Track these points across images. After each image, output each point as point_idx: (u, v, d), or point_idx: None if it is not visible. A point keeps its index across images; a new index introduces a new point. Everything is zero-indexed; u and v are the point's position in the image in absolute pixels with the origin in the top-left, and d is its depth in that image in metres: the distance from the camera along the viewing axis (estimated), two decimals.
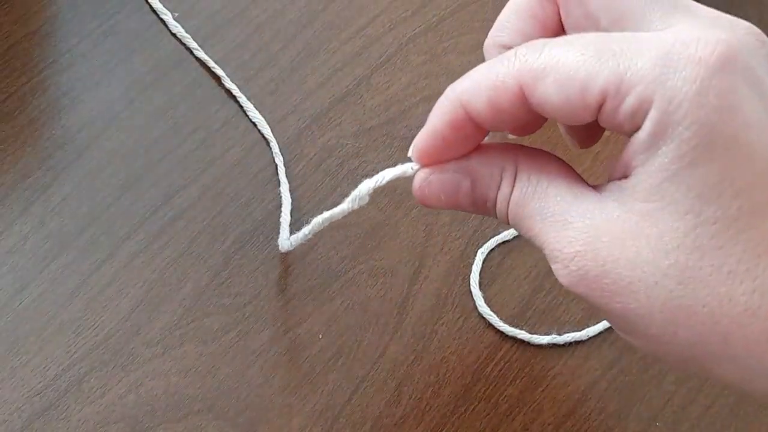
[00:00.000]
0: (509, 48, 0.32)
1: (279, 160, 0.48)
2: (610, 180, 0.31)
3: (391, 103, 0.51)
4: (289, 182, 0.48)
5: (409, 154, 0.34)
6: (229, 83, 0.50)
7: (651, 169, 0.29)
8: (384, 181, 0.36)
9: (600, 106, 0.30)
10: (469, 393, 0.44)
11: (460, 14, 0.54)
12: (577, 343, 0.45)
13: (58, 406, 0.42)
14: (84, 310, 0.44)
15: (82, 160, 0.48)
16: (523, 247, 0.47)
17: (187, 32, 0.51)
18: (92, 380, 0.43)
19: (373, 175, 0.49)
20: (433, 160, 0.34)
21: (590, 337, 0.45)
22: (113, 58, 0.51)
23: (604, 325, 0.45)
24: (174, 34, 0.51)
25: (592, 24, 0.32)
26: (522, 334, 0.45)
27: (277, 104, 0.50)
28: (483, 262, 0.46)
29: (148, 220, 0.46)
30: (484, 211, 0.34)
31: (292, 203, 0.47)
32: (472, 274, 0.46)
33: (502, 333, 0.45)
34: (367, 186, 0.37)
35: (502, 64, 0.31)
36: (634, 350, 0.45)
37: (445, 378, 0.44)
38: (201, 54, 0.51)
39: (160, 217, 0.47)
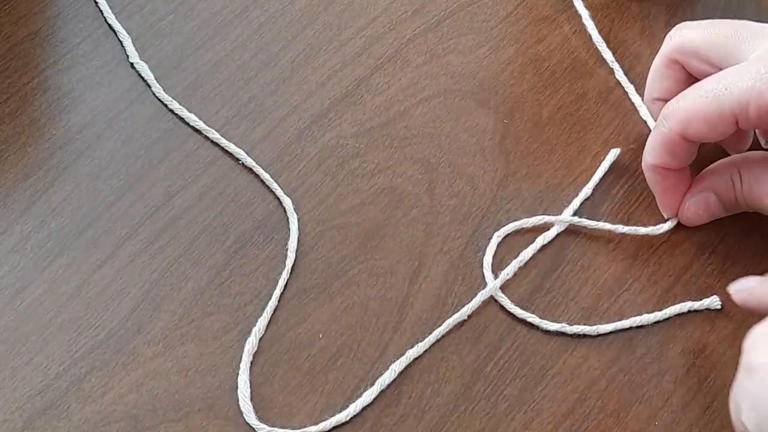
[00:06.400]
0: (661, 100, 0.47)
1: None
2: None
3: (391, 103, 0.51)
4: (289, 182, 0.48)
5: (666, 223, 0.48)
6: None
7: None
8: None
9: (736, 121, 0.43)
10: (468, 392, 0.44)
11: (460, 14, 0.54)
12: (581, 337, 0.45)
13: (59, 405, 0.42)
14: (85, 310, 0.44)
15: (83, 161, 0.48)
16: (526, 244, 0.47)
17: (187, 33, 0.51)
18: (93, 379, 0.43)
19: (372, 176, 0.49)
20: (674, 205, 0.48)
21: (600, 335, 0.45)
22: (114, 58, 0.51)
23: (615, 326, 0.45)
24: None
25: (708, 65, 0.45)
26: (533, 318, 0.45)
27: (277, 104, 0.50)
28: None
29: (149, 220, 0.47)
30: (734, 209, 0.47)
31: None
32: (485, 257, 0.46)
33: (502, 330, 0.45)
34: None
35: (663, 126, 0.45)
36: (634, 350, 0.45)
37: (444, 377, 0.44)
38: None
39: (160, 216, 0.47)
